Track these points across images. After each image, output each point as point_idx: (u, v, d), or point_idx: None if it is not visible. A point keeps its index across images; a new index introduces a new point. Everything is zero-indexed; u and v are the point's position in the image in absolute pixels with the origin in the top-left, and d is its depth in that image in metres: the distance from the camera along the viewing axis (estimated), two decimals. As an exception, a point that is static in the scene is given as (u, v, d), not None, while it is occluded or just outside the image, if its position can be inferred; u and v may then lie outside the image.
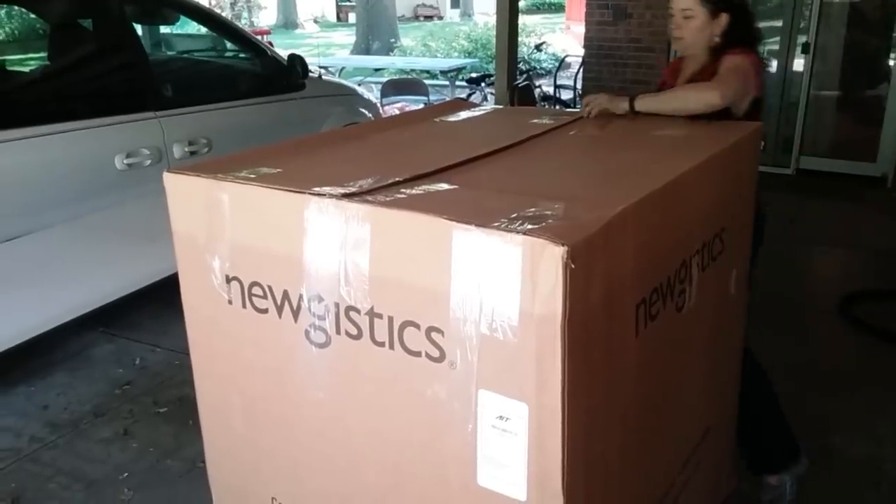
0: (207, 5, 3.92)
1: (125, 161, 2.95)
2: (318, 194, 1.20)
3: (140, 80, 3.13)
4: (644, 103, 1.90)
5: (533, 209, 1.11)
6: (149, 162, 3.03)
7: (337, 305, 1.22)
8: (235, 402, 1.45)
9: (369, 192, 1.21)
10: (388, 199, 1.18)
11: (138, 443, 2.44)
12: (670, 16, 2.09)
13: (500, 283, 1.04)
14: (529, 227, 1.03)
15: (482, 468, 1.14)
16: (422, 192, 1.23)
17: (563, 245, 0.98)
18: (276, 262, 1.29)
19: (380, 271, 1.16)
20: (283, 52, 3.96)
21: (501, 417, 1.11)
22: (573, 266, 0.98)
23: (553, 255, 0.99)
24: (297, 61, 3.78)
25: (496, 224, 1.04)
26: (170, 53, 4.49)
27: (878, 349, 3.02)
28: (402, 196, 1.20)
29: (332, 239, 1.20)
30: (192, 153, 3.21)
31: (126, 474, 2.29)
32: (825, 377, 2.77)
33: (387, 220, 1.14)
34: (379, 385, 1.22)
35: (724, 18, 2.01)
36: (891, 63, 5.30)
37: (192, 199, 1.38)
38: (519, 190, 1.27)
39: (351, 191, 1.20)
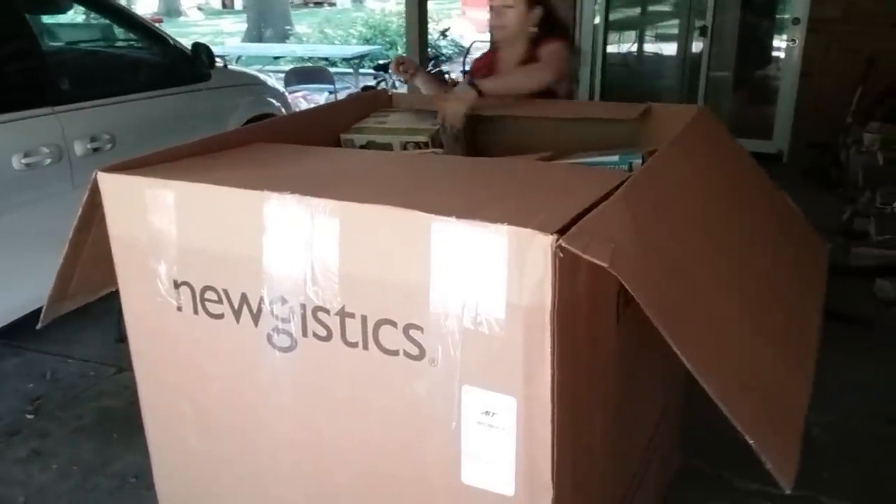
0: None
1: (23, 161, 2.74)
2: (280, 189, 1.13)
3: (34, 73, 2.91)
4: (489, 86, 2.03)
5: (512, 200, 1.09)
6: (49, 161, 2.83)
7: (303, 307, 1.16)
8: (188, 413, 1.37)
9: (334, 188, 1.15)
10: (355, 193, 1.12)
11: (59, 462, 2.28)
12: (490, 8, 2.34)
13: (485, 275, 1.01)
14: (513, 216, 1.00)
15: (467, 466, 1.11)
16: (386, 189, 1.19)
17: (551, 234, 0.95)
18: (231, 264, 1.21)
19: (351, 269, 1.11)
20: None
21: (487, 413, 1.08)
22: (562, 255, 0.96)
23: (541, 245, 0.96)
24: (201, 50, 3.61)
25: (478, 215, 1.01)
26: (65, 44, 4.21)
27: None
28: (370, 192, 1.15)
29: (297, 237, 1.13)
30: (96, 150, 3.02)
31: (51, 496, 2.14)
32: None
33: (358, 214, 1.09)
34: (352, 387, 1.17)
35: (538, 11, 2.32)
36: (781, 44, 5.55)
37: (131, 199, 1.28)
38: (488, 188, 1.24)
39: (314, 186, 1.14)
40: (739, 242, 1.35)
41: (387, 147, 1.78)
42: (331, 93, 6.77)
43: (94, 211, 1.33)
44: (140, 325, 1.36)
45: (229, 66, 4.62)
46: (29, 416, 2.53)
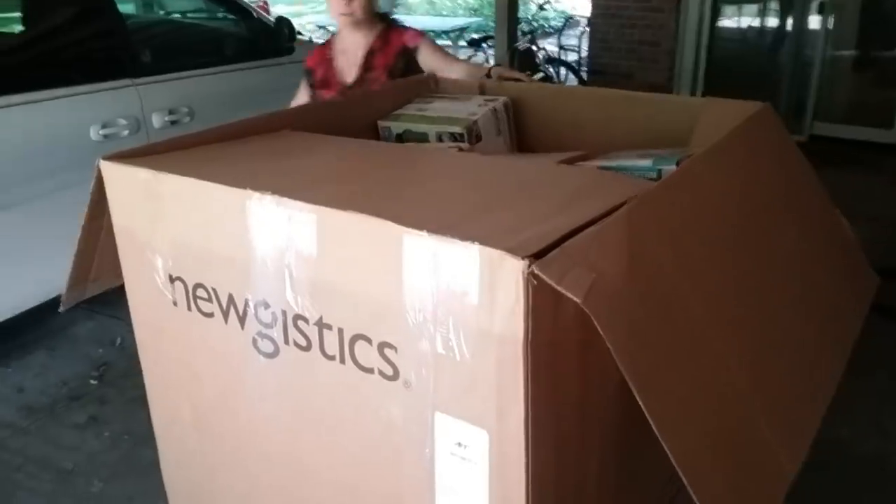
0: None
1: (101, 132, 2.82)
2: (266, 187, 1.08)
3: (116, 46, 2.99)
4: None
5: (505, 211, 0.99)
6: (126, 132, 2.91)
7: (284, 313, 1.10)
8: (186, 410, 1.35)
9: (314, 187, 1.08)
10: (334, 196, 1.05)
11: (112, 430, 2.36)
12: None
13: (455, 297, 0.92)
14: (493, 233, 0.90)
15: (440, 497, 1.03)
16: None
17: (524, 258, 0.85)
18: (219, 263, 1.17)
19: (328, 277, 1.04)
20: (288, 10, 3.79)
21: (460, 444, 0.99)
22: (535, 283, 0.85)
23: (512, 270, 0.86)
24: (284, 24, 3.62)
25: (454, 229, 0.91)
26: (148, 16, 4.32)
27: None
28: (356, 194, 1.08)
29: (276, 240, 1.07)
30: (174, 122, 3.08)
31: (98, 465, 2.21)
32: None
33: (333, 220, 1.01)
34: (331, 401, 1.11)
35: None
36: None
37: (130, 190, 1.26)
38: (488, 194, 1.14)
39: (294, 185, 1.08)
40: (764, 274, 1.19)
41: (422, 136, 1.70)
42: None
43: (104, 198, 1.32)
44: (142, 317, 1.35)
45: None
46: (93, 382, 2.63)
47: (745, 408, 1.03)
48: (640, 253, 0.97)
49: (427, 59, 2.21)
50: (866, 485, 2.05)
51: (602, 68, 5.74)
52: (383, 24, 2.30)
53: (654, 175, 1.23)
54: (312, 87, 2.42)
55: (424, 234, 0.92)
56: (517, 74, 2.07)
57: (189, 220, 1.19)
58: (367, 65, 2.28)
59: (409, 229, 0.93)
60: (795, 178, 1.43)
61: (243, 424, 1.25)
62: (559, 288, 0.84)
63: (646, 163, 1.28)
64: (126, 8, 3.94)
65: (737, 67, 5.70)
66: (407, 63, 2.23)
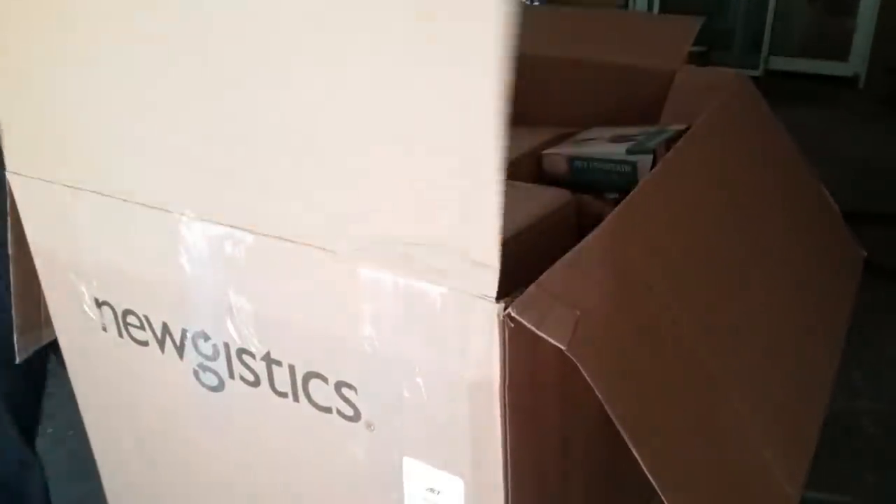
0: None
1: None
2: (190, 212, 0.94)
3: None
4: None
5: (462, 242, 0.87)
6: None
7: (227, 346, 0.99)
8: (128, 438, 1.23)
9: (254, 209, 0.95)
10: (274, 220, 0.92)
11: (55, 425, 2.23)
12: None
13: (422, 338, 0.81)
14: (455, 269, 0.79)
15: (413, 544, 0.94)
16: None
17: (499, 301, 0.74)
18: (149, 289, 1.04)
19: (273, 311, 0.92)
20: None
21: (432, 490, 0.90)
22: (513, 325, 0.75)
23: (485, 312, 0.75)
24: None
25: (413, 263, 0.80)
26: None
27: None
28: (291, 217, 0.95)
29: (213, 267, 0.95)
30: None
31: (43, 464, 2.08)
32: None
33: (272, 248, 0.89)
34: (286, 439, 1.00)
35: None
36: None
37: (45, 208, 1.11)
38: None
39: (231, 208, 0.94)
40: (755, 275, 1.10)
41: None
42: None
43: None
44: (70, 343, 1.22)
45: None
46: (32, 374, 2.47)
47: (745, 434, 0.94)
48: (624, 274, 0.87)
49: None
50: (836, 449, 2.04)
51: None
52: None
53: (628, 168, 1.13)
54: None
55: (384, 270, 0.81)
56: None
57: (114, 243, 1.05)
58: None
59: (365, 261, 0.81)
60: (777, 156, 1.34)
61: (191, 456, 1.14)
62: (540, 332, 0.73)
63: (618, 151, 1.17)
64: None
65: (692, 3, 5.56)
66: None
